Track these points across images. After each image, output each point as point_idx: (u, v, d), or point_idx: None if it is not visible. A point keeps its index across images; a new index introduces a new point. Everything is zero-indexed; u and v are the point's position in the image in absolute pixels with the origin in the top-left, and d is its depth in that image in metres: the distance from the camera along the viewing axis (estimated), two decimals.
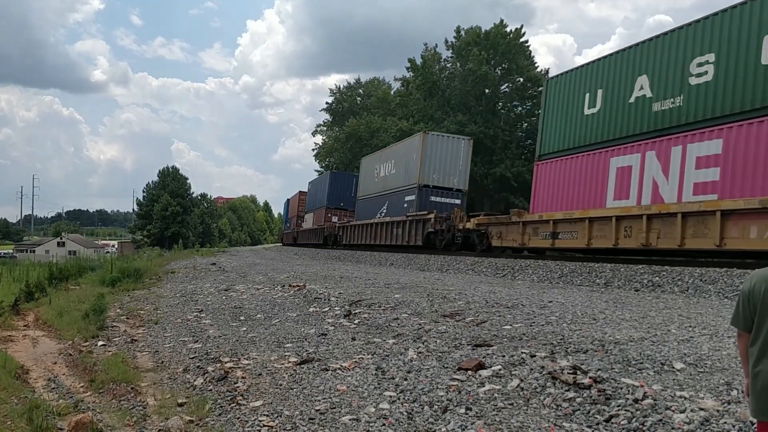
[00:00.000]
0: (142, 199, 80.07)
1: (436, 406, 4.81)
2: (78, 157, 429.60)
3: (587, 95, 16.22)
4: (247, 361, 6.86)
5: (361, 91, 71.08)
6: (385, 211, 28.42)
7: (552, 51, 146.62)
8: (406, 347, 6.73)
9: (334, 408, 5.02)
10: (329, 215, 37.51)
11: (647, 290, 10.80)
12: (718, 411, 4.02)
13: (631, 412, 4.20)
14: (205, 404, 5.42)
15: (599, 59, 16.18)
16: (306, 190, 51.72)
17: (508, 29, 48.66)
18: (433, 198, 24.64)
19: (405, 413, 4.76)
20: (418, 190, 24.65)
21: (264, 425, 4.78)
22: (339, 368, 6.19)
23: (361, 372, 5.97)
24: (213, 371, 6.53)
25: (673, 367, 5.02)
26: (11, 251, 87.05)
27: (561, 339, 6.30)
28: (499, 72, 49.28)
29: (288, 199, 58.98)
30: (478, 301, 9.26)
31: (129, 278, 17.83)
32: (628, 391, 4.53)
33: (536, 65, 49.90)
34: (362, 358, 6.51)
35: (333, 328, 8.49)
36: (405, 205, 25.56)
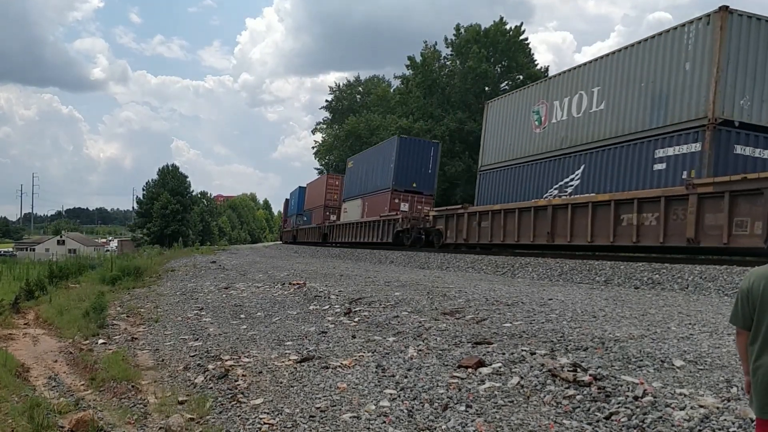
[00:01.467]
0: (141, 198, 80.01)
1: (436, 404, 4.82)
2: (77, 155, 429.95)
3: None
4: (247, 359, 6.87)
5: (360, 89, 71.07)
6: (576, 182, 16.72)
7: (552, 49, 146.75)
8: (407, 345, 6.74)
9: (335, 406, 5.03)
10: (396, 201, 26.94)
11: (647, 288, 10.81)
12: (717, 408, 4.03)
13: (631, 410, 4.21)
14: (205, 402, 5.42)
15: None
16: (321, 177, 42.85)
17: (507, 27, 48.68)
18: (739, 149, 13.34)
19: (405, 411, 4.77)
20: (712, 133, 12.97)
21: (264, 423, 4.79)
22: (339, 366, 6.20)
23: (362, 370, 5.98)
24: (213, 369, 6.54)
25: (673, 365, 5.02)
26: (11, 250, 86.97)
27: (561, 336, 6.30)
28: (498, 70, 49.27)
29: (302, 188, 48.90)
30: (478, 299, 9.26)
31: (129, 276, 17.83)
32: (628, 388, 4.53)
33: (536, 63, 49.93)
34: (362, 356, 6.52)
35: (333, 326, 8.49)
36: (658, 168, 14.20)
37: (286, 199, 57.54)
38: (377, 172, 29.75)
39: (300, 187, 49.68)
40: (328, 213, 38.74)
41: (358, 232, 30.76)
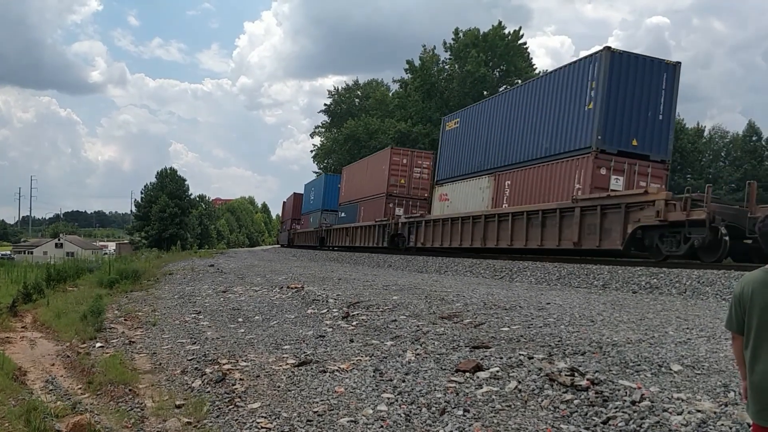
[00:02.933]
0: (140, 201, 79.87)
1: (433, 408, 4.82)
2: (76, 158, 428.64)
3: None
4: (245, 363, 6.86)
5: (359, 92, 71.23)
6: None
7: (550, 52, 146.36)
8: (404, 349, 6.74)
9: (332, 410, 5.03)
10: (602, 174, 15.14)
11: (645, 292, 10.81)
12: (715, 413, 4.04)
13: (629, 414, 4.21)
14: (203, 406, 5.41)
15: None
16: (379, 153, 32.25)
17: (506, 31, 48.87)
18: None
19: (403, 415, 4.76)
20: None
21: (262, 427, 4.78)
22: (337, 370, 6.19)
23: (359, 374, 5.97)
24: (211, 373, 6.53)
25: (671, 369, 5.03)
26: (9, 252, 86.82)
27: (559, 341, 6.31)
28: (497, 74, 49.47)
29: (330, 176, 39.76)
30: (476, 303, 9.26)
31: (127, 279, 17.77)
32: (626, 392, 4.54)
33: (534, 67, 50.11)
34: (360, 360, 6.51)
35: (331, 329, 8.49)
36: None
37: (295, 194, 50.76)
38: (544, 122, 17.37)
39: (327, 175, 40.78)
40: (391, 205, 28.43)
41: (487, 232, 18.75)
